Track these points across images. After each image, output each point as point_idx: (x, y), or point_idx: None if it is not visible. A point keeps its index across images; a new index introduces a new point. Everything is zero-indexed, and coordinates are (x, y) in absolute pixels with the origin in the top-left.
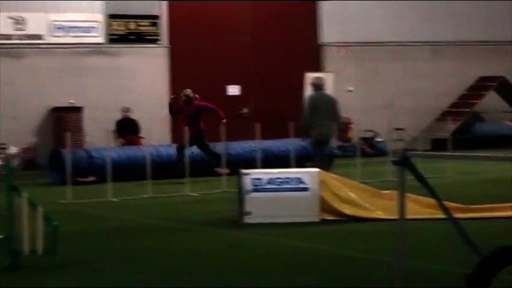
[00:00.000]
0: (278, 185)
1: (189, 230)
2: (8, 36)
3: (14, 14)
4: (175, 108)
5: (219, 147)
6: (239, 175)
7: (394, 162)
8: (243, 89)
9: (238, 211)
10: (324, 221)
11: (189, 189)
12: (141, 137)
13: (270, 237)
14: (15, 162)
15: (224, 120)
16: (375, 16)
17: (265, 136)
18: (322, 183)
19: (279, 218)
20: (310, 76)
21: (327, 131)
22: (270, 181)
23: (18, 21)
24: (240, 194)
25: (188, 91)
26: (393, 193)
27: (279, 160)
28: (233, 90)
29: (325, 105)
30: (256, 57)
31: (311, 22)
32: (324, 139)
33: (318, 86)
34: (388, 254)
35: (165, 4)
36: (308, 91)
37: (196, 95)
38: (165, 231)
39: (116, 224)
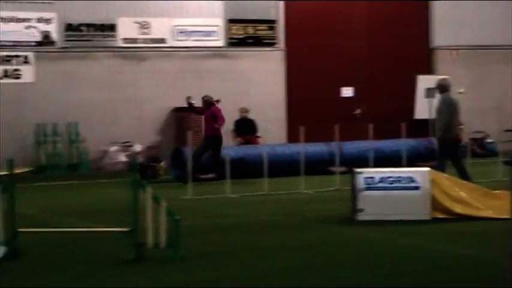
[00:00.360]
0: (390, 183)
1: (303, 227)
2: (134, 40)
3: (139, 19)
4: (197, 109)
5: (333, 146)
6: (352, 174)
7: (506, 163)
8: (356, 91)
9: (352, 209)
10: (434, 219)
11: (304, 187)
12: (258, 136)
13: (382, 235)
14: (140, 160)
15: (216, 126)
16: (486, 19)
17: (378, 136)
18: (433, 182)
19: (390, 216)
20: (422, 78)
21: (458, 132)
22: (382, 180)
23: (143, 26)
24: (353, 192)
25: (208, 96)
26: (504, 193)
27: (390, 159)
28: (347, 92)
29: (456, 107)
30: (370, 60)
31: (423, 25)
32: (458, 140)
33: (445, 87)
34: (499, 253)
35: (281, 9)
36: (421, 93)
37: (217, 100)
38: (280, 227)
39: (234, 219)
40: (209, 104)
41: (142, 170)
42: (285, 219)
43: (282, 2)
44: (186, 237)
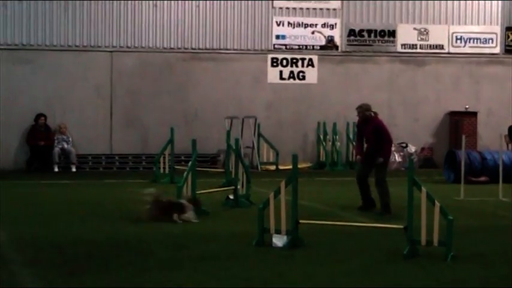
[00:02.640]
0: None
1: None
2: (413, 46)
3: (418, 26)
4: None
5: None
6: None
7: None
8: None
9: None
10: None
11: None
12: None
13: None
14: (414, 160)
15: (380, 159)
16: None
17: None
18: None
19: None
20: None
21: None
22: None
23: (422, 32)
24: None
25: (367, 105)
26: None
27: None
28: None
29: None
30: None
31: None
32: None
33: None
34: None
35: None
36: None
37: (375, 112)
38: None
39: (506, 222)
40: (367, 116)
41: None
42: None
43: None
44: (457, 236)
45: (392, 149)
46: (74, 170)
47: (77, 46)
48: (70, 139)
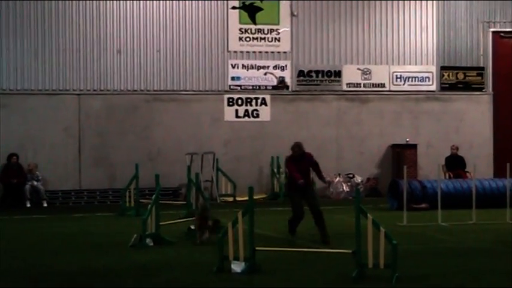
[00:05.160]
0: None
1: (509, 253)
2: (358, 85)
3: (362, 66)
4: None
5: None
6: None
7: None
8: None
9: None
10: None
11: (509, 218)
12: (467, 172)
13: None
14: (360, 190)
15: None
16: None
17: None
18: None
19: None
20: None
21: None
22: None
23: (365, 72)
24: None
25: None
26: None
27: None
28: None
29: None
30: None
31: None
32: None
33: None
34: None
35: (490, 57)
36: None
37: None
38: (489, 253)
39: (446, 245)
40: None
41: None
42: (493, 246)
43: (490, 51)
44: (401, 259)
45: (340, 179)
46: (45, 205)
47: (46, 90)
48: (40, 177)
